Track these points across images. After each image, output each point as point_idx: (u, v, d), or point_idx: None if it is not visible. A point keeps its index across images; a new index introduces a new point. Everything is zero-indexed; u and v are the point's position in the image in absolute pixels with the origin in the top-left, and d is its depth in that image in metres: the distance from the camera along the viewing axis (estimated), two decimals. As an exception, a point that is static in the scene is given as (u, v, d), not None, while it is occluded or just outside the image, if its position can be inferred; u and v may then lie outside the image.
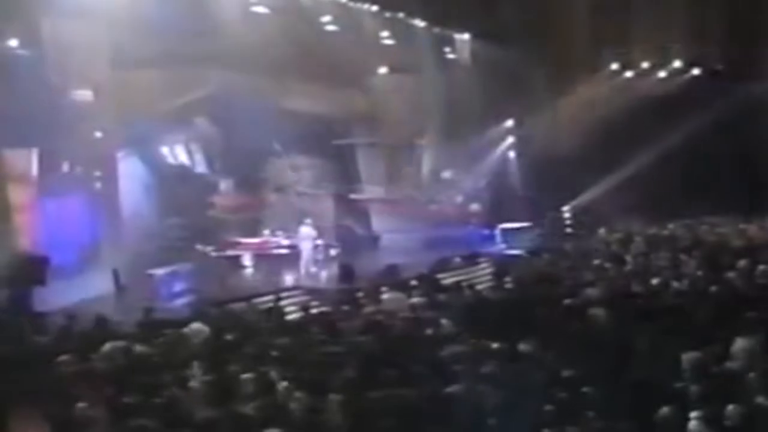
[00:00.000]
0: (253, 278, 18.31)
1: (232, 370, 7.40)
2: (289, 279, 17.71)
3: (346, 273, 15.63)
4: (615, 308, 9.69)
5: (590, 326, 8.89)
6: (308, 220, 19.16)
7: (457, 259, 19.00)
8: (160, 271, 14.35)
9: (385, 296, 11.55)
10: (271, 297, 13.59)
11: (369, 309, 10.69)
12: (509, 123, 24.93)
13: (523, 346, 7.73)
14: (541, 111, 23.56)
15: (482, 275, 18.11)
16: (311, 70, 19.70)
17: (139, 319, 10.81)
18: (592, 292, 10.94)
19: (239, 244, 19.82)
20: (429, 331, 9.32)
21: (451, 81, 22.84)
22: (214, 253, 18.90)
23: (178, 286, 14.51)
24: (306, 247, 18.62)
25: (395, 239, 21.96)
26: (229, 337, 9.11)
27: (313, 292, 15.16)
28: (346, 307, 11.11)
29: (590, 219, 22.73)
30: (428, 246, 21.59)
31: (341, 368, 7.21)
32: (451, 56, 23.48)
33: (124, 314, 12.01)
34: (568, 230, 23.07)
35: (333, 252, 19.35)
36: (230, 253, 19.35)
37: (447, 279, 16.52)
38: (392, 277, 15.45)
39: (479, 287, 13.18)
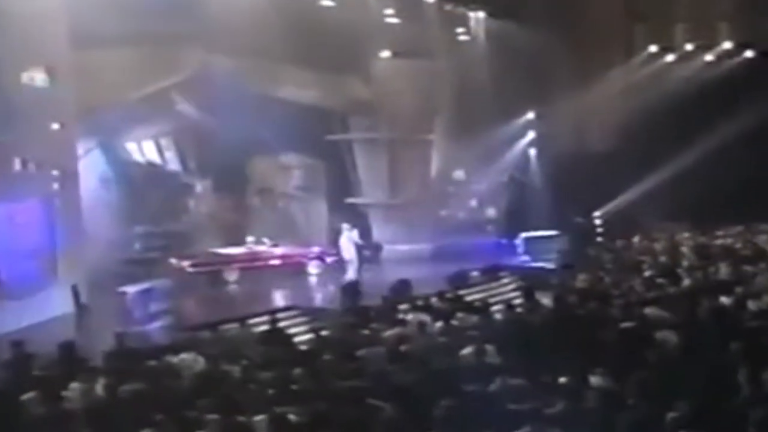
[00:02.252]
0: (240, 296, 18.03)
1: (241, 409, 6.86)
2: (281, 296, 17.43)
3: (352, 290, 15.20)
4: (685, 331, 9.30)
5: (666, 353, 8.45)
6: (347, 225, 19.22)
7: (475, 273, 18.80)
8: (132, 289, 13.81)
9: (406, 317, 11.08)
10: (264, 318, 13.20)
11: (390, 333, 10.21)
12: (530, 115, 24.69)
13: (595, 380, 7.27)
14: (567, 101, 23.26)
15: (505, 291, 18.02)
16: (303, 52, 19.43)
17: (111, 346, 10.22)
18: (653, 312, 10.56)
19: (220, 256, 19.33)
20: (467, 361, 8.92)
21: (464, 66, 22.59)
22: (190, 268, 18.35)
23: (154, 307, 13.98)
24: (349, 256, 18.65)
25: (399, 250, 21.66)
26: (229, 368, 8.56)
27: (314, 313, 14.82)
28: (364, 331, 10.62)
29: (625, 226, 22.41)
30: (438, 258, 21.49)
31: (377, 410, 6.67)
32: (464, 38, 23.19)
33: (86, 340, 11.63)
34: (599, 239, 22.70)
35: (349, 269, 18.99)
36: (210, 267, 18.95)
37: (466, 296, 16.59)
38: (404, 295, 15.18)
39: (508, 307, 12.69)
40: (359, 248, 19.02)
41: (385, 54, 22.21)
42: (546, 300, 13.19)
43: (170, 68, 18.13)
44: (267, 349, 9.81)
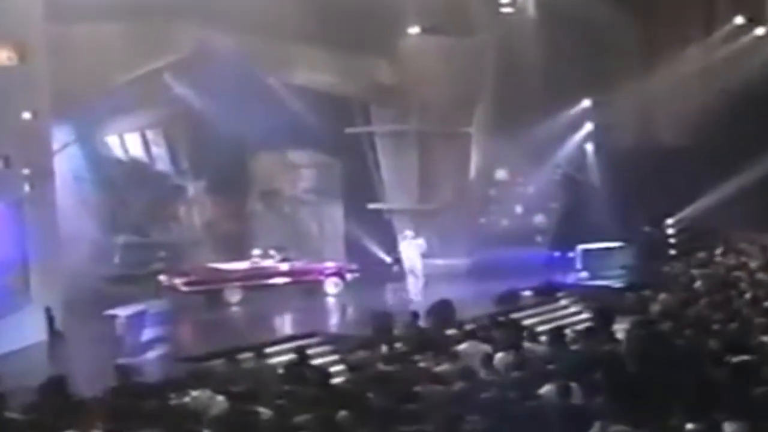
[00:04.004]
0: (246, 320, 17.89)
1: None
2: (296, 321, 17.33)
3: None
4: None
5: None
6: (410, 232, 19.43)
7: (527, 294, 18.73)
8: (123, 312, 13.64)
9: (461, 347, 10.77)
10: (283, 347, 13.31)
11: (447, 366, 9.91)
12: (587, 103, 24.32)
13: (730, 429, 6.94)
14: (632, 86, 22.94)
15: (564, 315, 17.94)
16: (317, 29, 19.37)
17: (108, 382, 9.92)
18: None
19: (219, 272, 19.18)
20: (550, 402, 8.57)
21: (508, 45, 22.35)
22: (184, 287, 18.17)
23: (148, 333, 13.79)
24: (413, 268, 18.96)
25: (431, 265, 21.26)
26: (257, 408, 8.25)
27: (339, 341, 14.66)
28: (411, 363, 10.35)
29: (704, 236, 22.09)
30: (477, 274, 21.41)
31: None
32: (509, 10, 22.89)
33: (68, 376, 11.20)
34: (672, 251, 22.36)
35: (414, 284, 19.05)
36: (207, 285, 18.81)
37: (520, 320, 16.39)
38: (446, 319, 14.94)
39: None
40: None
41: (414, 30, 22.08)
42: (622, 326, 12.98)
43: (161, 47, 18.22)
44: (297, 385, 9.46)
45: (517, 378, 9.34)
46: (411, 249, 19.30)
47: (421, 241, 19.32)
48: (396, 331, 13.64)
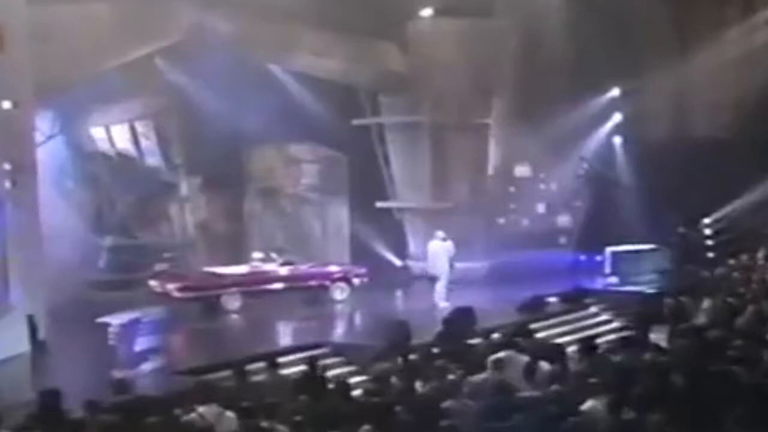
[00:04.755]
0: (247, 329, 17.86)
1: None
2: (303, 330, 17.22)
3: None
4: None
5: None
6: (440, 233, 19.52)
7: (553, 300, 18.76)
8: (116, 320, 13.59)
9: (496, 357, 10.63)
10: (288, 358, 13.32)
11: (480, 378, 9.85)
12: (616, 92, 24.32)
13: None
14: (665, 73, 22.79)
15: (594, 323, 18.12)
16: (322, 11, 19.51)
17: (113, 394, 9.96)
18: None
19: (217, 277, 19.10)
20: (597, 418, 8.52)
21: (531, 28, 22.32)
22: (178, 293, 18.20)
23: (142, 343, 13.74)
24: (440, 272, 19.10)
25: (445, 267, 21.33)
26: (270, 426, 8.15)
27: (350, 351, 14.80)
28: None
29: (745, 237, 21.95)
30: (496, 279, 21.46)
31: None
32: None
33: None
34: (710, 254, 22.26)
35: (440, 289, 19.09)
36: (204, 292, 18.75)
37: (546, 329, 16.42)
38: (467, 327, 14.91)
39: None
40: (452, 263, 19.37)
41: (428, 12, 22.08)
42: (660, 336, 13.06)
43: (153, 30, 18.09)
44: (314, 399, 9.40)
45: (559, 392, 9.22)
46: (436, 252, 19.30)
47: (450, 245, 19.32)
48: (416, 340, 13.71)
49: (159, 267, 19.80)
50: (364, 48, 21.48)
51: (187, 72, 19.92)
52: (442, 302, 18.60)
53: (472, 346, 12.39)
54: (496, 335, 12.86)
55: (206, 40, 18.53)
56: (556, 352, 11.14)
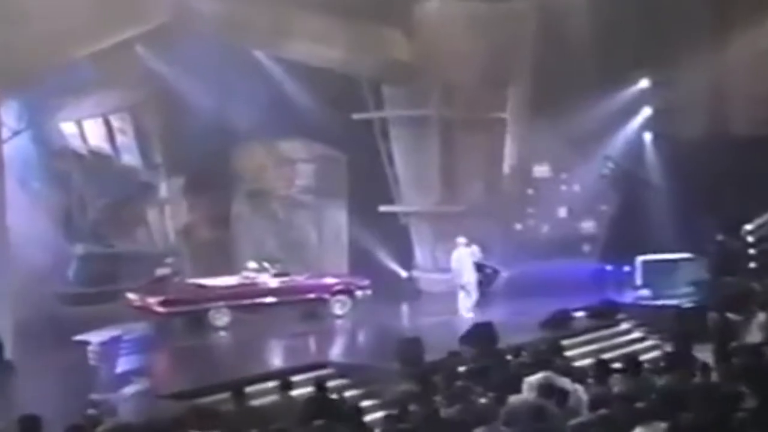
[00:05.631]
0: (240, 348, 17.71)
1: None
2: (293, 348, 17.22)
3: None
4: None
5: None
6: (462, 238, 19.79)
7: (580, 315, 18.73)
8: (96, 338, 13.52)
9: (532, 380, 10.50)
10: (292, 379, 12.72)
11: (515, 401, 9.69)
12: (645, 83, 24.42)
13: None
14: (700, 62, 22.74)
15: (627, 341, 18.08)
16: None
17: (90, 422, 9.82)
18: None
19: (203, 289, 18.98)
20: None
21: (551, 12, 22.33)
22: (160, 307, 18.15)
23: (126, 363, 13.65)
24: (466, 281, 19.45)
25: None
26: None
27: (357, 371, 14.72)
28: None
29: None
30: (513, 290, 21.48)
31: None
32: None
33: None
34: (753, 264, 22.21)
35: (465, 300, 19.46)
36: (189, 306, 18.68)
37: (574, 348, 16.31)
38: (487, 345, 14.81)
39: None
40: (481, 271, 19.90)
41: (437, -6, 22.17)
42: (703, 355, 13.00)
43: (131, 14, 17.83)
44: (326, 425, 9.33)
45: (604, 417, 9.11)
46: (461, 259, 19.52)
47: (475, 250, 19.65)
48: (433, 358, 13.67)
49: (160, 272, 19.75)
50: (365, 34, 21.48)
51: (169, 60, 19.75)
52: (469, 313, 18.91)
53: (501, 365, 12.23)
54: (524, 353, 12.84)
55: (191, 24, 18.39)
56: (597, 373, 11.03)
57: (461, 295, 19.43)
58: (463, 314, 18.92)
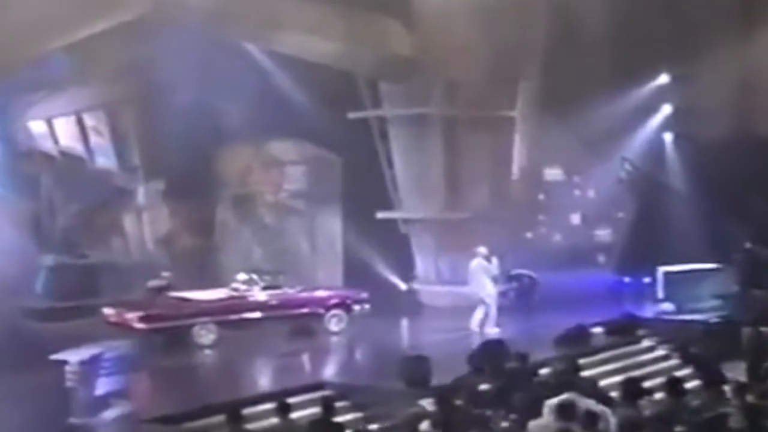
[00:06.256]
0: (228, 368, 17.60)
1: None
2: (285, 367, 17.12)
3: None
4: None
5: None
6: (482, 249, 19.78)
7: (597, 331, 18.59)
8: (73, 357, 13.30)
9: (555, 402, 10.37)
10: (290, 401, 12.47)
11: (538, 425, 9.70)
12: (665, 79, 24.52)
13: None
14: (724, 57, 22.89)
15: (650, 359, 17.94)
16: None
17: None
18: None
19: (187, 304, 18.81)
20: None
21: (563, 4, 22.34)
22: (140, 323, 17.99)
23: (106, 384, 13.43)
24: (483, 294, 19.41)
25: (463, 292, 20.95)
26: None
27: (357, 393, 14.56)
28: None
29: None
30: (522, 303, 21.40)
31: None
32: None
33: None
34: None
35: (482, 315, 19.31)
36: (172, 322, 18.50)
37: (593, 367, 16.22)
38: (500, 363, 14.70)
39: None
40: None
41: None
42: (734, 374, 13.04)
43: (109, 3, 17.83)
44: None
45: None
46: (482, 270, 19.48)
47: (494, 263, 19.59)
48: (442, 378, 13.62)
49: (153, 283, 19.65)
50: (362, 25, 21.43)
51: (149, 53, 19.73)
52: (492, 328, 18.86)
53: (519, 386, 12.07)
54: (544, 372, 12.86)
55: (174, 14, 18.32)
56: (626, 394, 10.88)
57: (478, 309, 19.26)
58: (487, 330, 18.80)
